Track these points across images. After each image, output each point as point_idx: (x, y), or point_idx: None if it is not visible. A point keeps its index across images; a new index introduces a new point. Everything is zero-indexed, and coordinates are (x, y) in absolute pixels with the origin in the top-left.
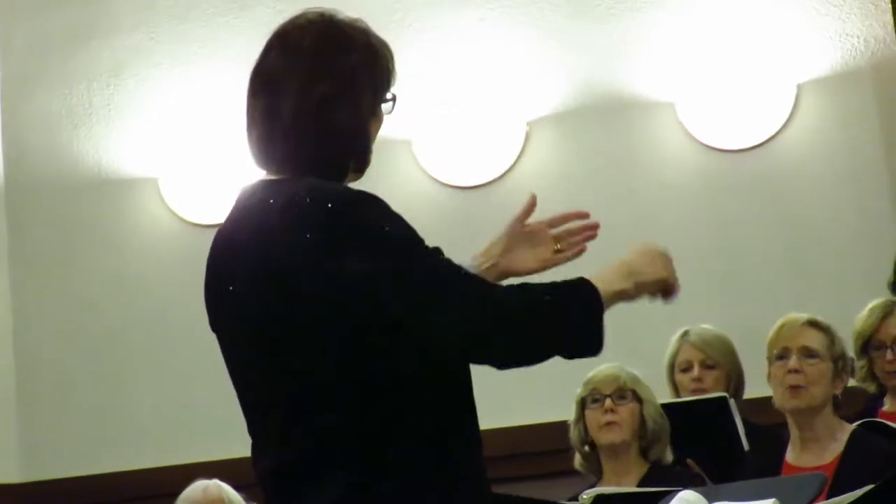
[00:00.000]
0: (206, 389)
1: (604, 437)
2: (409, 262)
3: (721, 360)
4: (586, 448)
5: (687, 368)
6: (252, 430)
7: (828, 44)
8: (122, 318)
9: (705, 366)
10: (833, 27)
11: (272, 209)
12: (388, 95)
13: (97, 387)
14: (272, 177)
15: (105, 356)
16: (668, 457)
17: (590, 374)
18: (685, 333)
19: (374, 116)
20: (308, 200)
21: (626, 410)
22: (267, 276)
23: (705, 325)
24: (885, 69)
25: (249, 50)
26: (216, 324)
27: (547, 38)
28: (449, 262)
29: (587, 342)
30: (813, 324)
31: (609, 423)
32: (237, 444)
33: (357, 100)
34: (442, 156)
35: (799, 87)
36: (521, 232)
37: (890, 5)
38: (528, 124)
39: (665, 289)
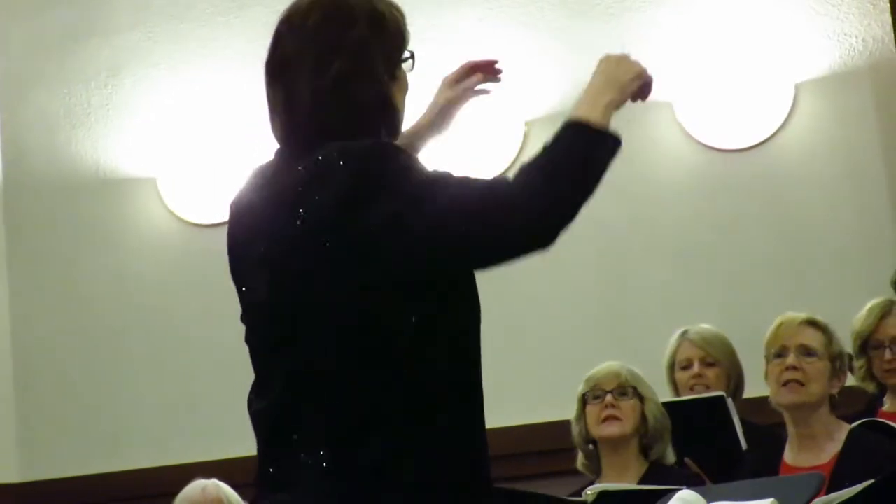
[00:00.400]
0: (204, 389)
1: (604, 431)
2: (431, 190)
3: (721, 358)
4: (589, 446)
5: (687, 366)
6: (258, 369)
7: (826, 43)
8: (121, 317)
9: (705, 363)
10: (831, 27)
11: (296, 172)
12: (406, 55)
13: (96, 386)
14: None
15: (103, 356)
16: (670, 457)
17: (591, 372)
18: (685, 332)
19: (396, 80)
20: (329, 159)
21: (628, 406)
22: (293, 231)
23: (704, 325)
24: (884, 69)
25: (248, 49)
26: (237, 275)
27: (546, 38)
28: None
29: (608, 154)
30: (811, 322)
31: (609, 418)
32: (236, 443)
33: (372, 71)
34: (439, 155)
35: (797, 86)
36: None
37: (888, 5)
38: (526, 124)
39: (644, 83)
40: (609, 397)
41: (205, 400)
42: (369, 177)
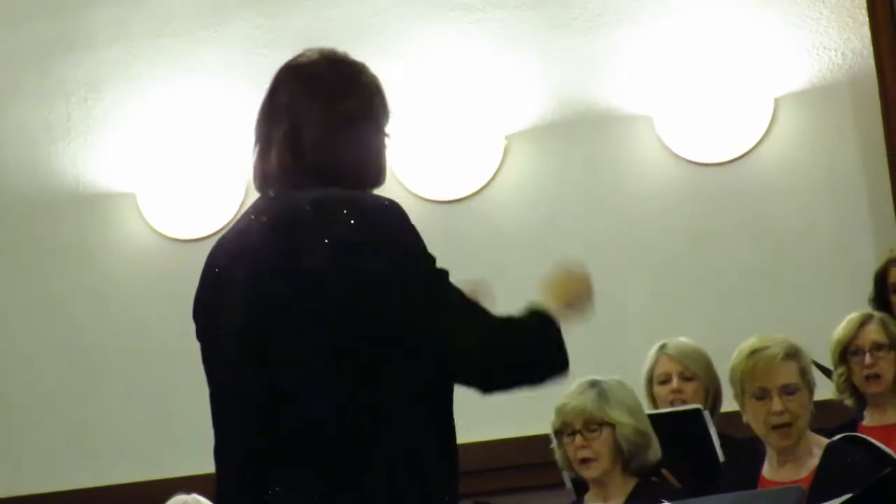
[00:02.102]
0: (185, 404)
1: (583, 473)
2: (429, 278)
3: (699, 372)
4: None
5: (665, 380)
6: (222, 426)
7: (805, 57)
8: (101, 332)
9: (684, 377)
10: (810, 40)
11: (299, 212)
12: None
13: (76, 401)
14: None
15: (84, 371)
16: (656, 456)
17: (560, 403)
18: (663, 346)
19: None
20: (335, 206)
21: (599, 443)
22: (282, 262)
23: (682, 339)
24: (863, 82)
25: (227, 63)
26: (207, 330)
27: (525, 52)
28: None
29: (563, 366)
30: (788, 356)
31: (584, 461)
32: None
33: (377, 118)
34: (419, 170)
35: (776, 100)
36: None
37: (867, 18)
38: (506, 138)
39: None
40: (579, 438)
41: (185, 415)
42: (375, 229)
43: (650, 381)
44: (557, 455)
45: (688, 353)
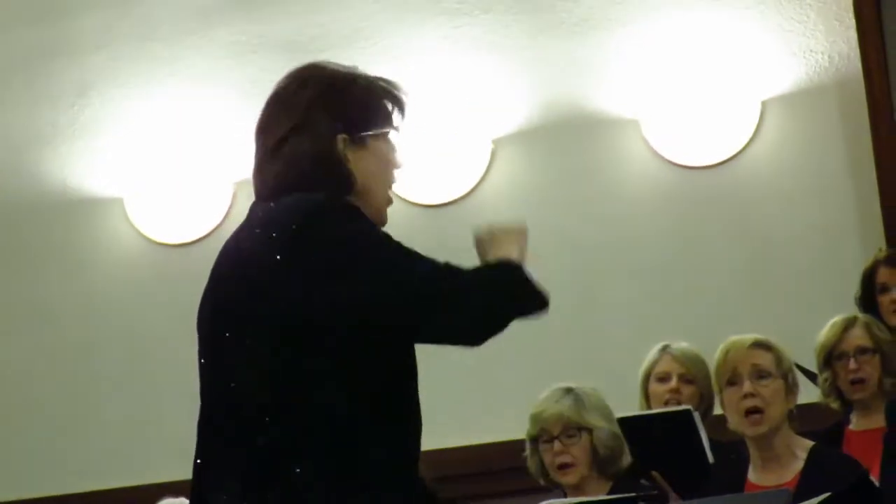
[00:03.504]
0: (172, 408)
1: (561, 480)
2: (377, 250)
3: (698, 377)
4: (547, 480)
5: (664, 378)
6: (207, 430)
7: (792, 60)
8: (89, 336)
9: (684, 379)
10: (797, 43)
11: (252, 219)
12: (386, 129)
13: (63, 406)
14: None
15: (71, 375)
16: (627, 460)
17: (536, 410)
18: (666, 346)
19: (359, 145)
20: (274, 210)
21: (577, 449)
22: (239, 275)
23: (684, 343)
24: (850, 85)
25: (213, 69)
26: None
27: (512, 56)
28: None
29: (542, 301)
30: (759, 344)
31: (563, 466)
32: None
33: (312, 128)
34: (407, 174)
35: (763, 103)
36: None
37: (854, 21)
38: (493, 142)
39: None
40: (557, 444)
41: (172, 419)
42: (312, 229)
43: (647, 378)
44: (531, 462)
45: (691, 356)
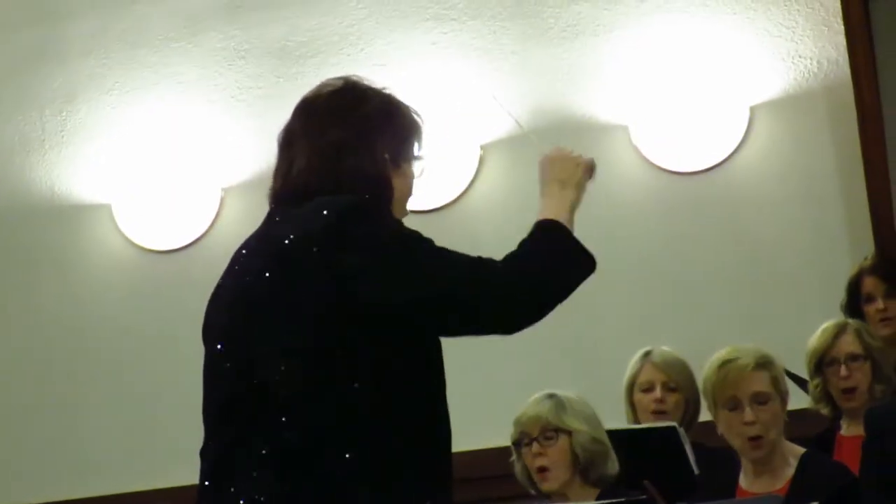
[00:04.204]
0: (161, 416)
1: (542, 486)
2: (416, 253)
3: (682, 383)
4: (533, 487)
5: (648, 389)
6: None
7: (780, 66)
8: (77, 343)
9: (668, 388)
10: (786, 49)
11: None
12: (417, 154)
13: (52, 413)
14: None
15: (60, 382)
16: (614, 468)
17: (518, 414)
18: (647, 353)
19: (398, 170)
20: (311, 208)
21: (555, 451)
22: (269, 266)
23: (666, 348)
24: (838, 91)
25: (203, 75)
26: (203, 332)
27: (499, 62)
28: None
29: (587, 264)
30: (759, 366)
31: (541, 470)
32: (195, 470)
33: (369, 147)
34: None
35: (752, 108)
36: None
37: (842, 27)
38: (481, 148)
39: (588, 167)
40: (536, 445)
41: (161, 426)
42: (346, 226)
43: (631, 387)
44: (517, 468)
45: (672, 363)
